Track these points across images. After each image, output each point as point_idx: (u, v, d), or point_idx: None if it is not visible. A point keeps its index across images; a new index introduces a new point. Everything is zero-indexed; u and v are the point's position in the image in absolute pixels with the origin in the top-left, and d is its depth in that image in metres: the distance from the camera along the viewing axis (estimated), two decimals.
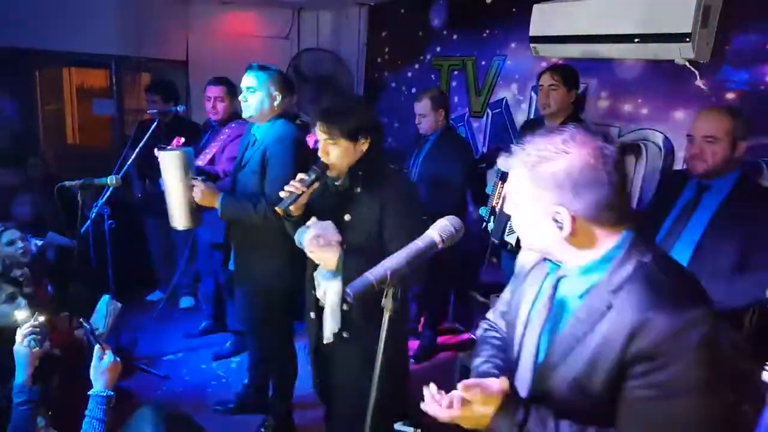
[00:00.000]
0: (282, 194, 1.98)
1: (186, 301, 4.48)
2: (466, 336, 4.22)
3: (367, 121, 1.99)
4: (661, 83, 3.03)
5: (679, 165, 2.90)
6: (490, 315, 1.53)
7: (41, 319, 2.02)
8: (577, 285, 1.13)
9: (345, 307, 2.02)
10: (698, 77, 2.80)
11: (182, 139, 2.81)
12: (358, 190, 2.00)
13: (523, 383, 1.22)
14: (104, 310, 3.10)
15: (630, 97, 3.20)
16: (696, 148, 2.15)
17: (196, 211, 2.67)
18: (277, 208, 2.00)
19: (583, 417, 1.11)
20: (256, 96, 2.57)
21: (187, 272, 4.43)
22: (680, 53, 2.70)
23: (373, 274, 1.11)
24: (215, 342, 3.90)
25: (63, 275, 3.17)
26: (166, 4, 5.00)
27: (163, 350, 3.79)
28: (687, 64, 2.77)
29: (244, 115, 2.63)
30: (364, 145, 1.98)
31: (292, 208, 2.00)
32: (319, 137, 1.97)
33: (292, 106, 3.70)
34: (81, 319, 2.20)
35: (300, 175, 1.98)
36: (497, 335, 1.45)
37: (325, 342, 2.09)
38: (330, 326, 2.05)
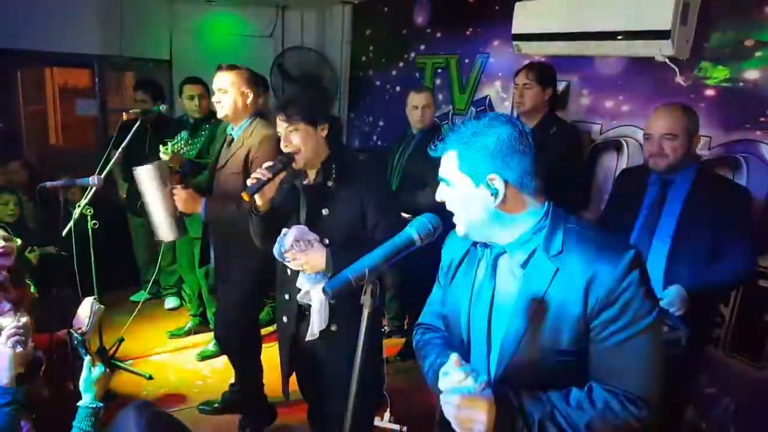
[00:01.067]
0: (249, 181, 1.98)
1: (171, 302, 4.46)
2: None
3: (322, 105, 2.05)
4: (641, 80, 3.06)
5: None
6: (422, 320, 1.56)
7: (24, 320, 1.99)
8: (515, 257, 1.22)
9: (332, 301, 2.01)
10: (678, 74, 2.84)
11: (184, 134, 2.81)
12: (330, 184, 2.02)
13: (484, 367, 1.27)
14: (87, 311, 3.08)
15: (611, 94, 3.22)
16: (655, 145, 2.21)
17: (180, 220, 2.67)
18: (243, 194, 1.99)
19: (556, 376, 1.19)
20: (228, 96, 2.58)
21: (172, 272, 4.42)
22: (660, 50, 2.74)
23: (351, 272, 1.11)
24: (200, 342, 3.89)
25: (46, 276, 3.15)
26: (150, 3, 4.96)
27: (148, 351, 3.77)
28: (667, 61, 2.80)
29: (219, 115, 2.64)
30: (324, 131, 2.01)
31: (258, 200, 2.00)
32: (279, 128, 2.00)
33: (266, 103, 3.72)
34: (69, 330, 2.18)
35: (266, 164, 1.99)
36: (437, 335, 1.49)
37: (308, 339, 2.08)
38: (318, 323, 2.04)
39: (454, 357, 1.15)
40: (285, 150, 2.00)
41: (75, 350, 1.95)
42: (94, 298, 2.98)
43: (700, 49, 2.77)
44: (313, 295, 2.05)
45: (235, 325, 2.82)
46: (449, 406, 1.13)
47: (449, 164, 1.23)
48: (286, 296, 2.13)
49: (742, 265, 2.15)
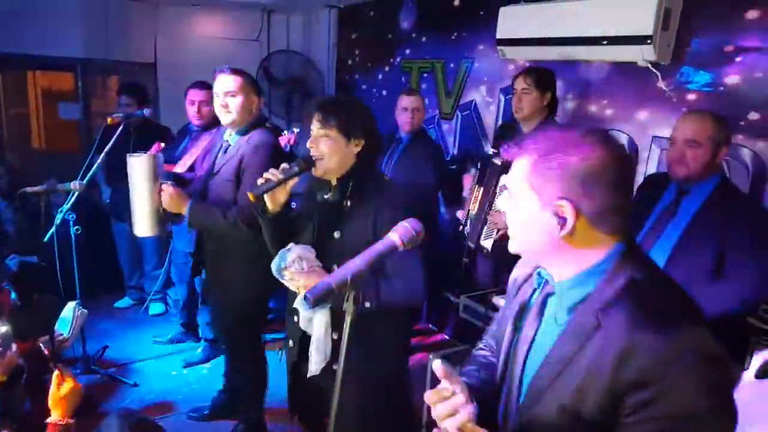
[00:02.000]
0: (259, 181, 1.83)
1: (156, 308, 4.42)
2: (439, 337, 4.24)
3: (365, 121, 1.85)
4: (624, 85, 3.08)
5: (642, 165, 2.96)
6: (485, 335, 1.47)
7: (4, 328, 1.96)
8: (566, 298, 1.06)
9: (335, 336, 1.84)
10: (660, 79, 2.87)
11: (162, 144, 2.75)
12: (348, 204, 1.85)
13: (511, 405, 1.15)
14: (70, 316, 3.04)
15: (595, 98, 3.25)
16: (677, 151, 2.11)
17: (162, 218, 2.60)
18: (249, 193, 1.85)
19: None
20: (237, 100, 2.47)
21: (157, 279, 4.38)
22: (642, 55, 2.76)
23: (333, 279, 1.10)
24: (186, 349, 3.86)
25: (26, 283, 3.11)
26: (134, 6, 4.93)
27: (132, 357, 3.73)
28: (649, 66, 2.83)
29: (225, 120, 2.52)
30: (356, 147, 1.83)
31: (269, 202, 1.85)
32: (312, 128, 1.84)
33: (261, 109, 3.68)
34: (40, 342, 2.13)
35: (283, 165, 1.84)
36: (487, 353, 1.39)
37: (309, 375, 1.90)
38: (316, 359, 1.85)
39: (436, 363, 1.03)
40: (311, 153, 1.83)
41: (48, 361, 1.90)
42: (77, 303, 2.95)
43: (682, 54, 2.80)
44: (315, 324, 1.86)
45: (233, 335, 2.79)
46: None
47: (517, 172, 1.05)
48: (294, 318, 1.96)
49: (749, 288, 2.00)
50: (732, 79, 2.64)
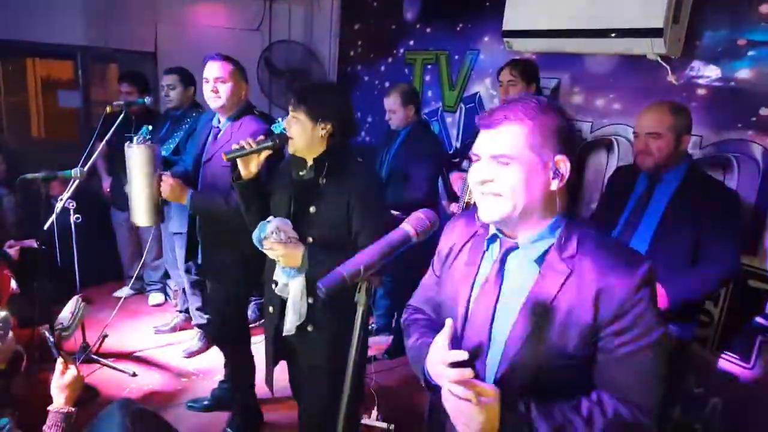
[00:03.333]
0: (234, 146, 2.00)
1: (155, 297, 4.39)
2: None
3: (333, 107, 1.99)
4: (633, 78, 3.06)
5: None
6: (411, 302, 1.56)
7: (3, 314, 1.94)
8: (531, 251, 1.19)
9: (310, 300, 2.01)
10: (670, 72, 2.83)
11: (150, 127, 2.73)
12: (323, 181, 1.99)
13: (481, 363, 1.23)
14: (72, 308, 3.02)
15: (602, 92, 3.22)
16: (641, 144, 2.21)
17: (161, 207, 2.61)
18: (224, 154, 2.01)
19: (558, 379, 1.17)
20: (225, 86, 2.53)
21: (156, 268, 4.35)
22: (652, 48, 2.73)
23: (345, 269, 1.08)
24: (186, 338, 3.83)
25: (26, 270, 3.08)
26: None
27: (132, 347, 3.71)
28: (659, 59, 2.80)
29: (214, 105, 2.57)
30: (323, 130, 1.97)
31: (242, 168, 2.02)
32: (290, 111, 2.01)
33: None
34: (43, 330, 2.12)
35: (260, 137, 2.04)
36: (425, 317, 1.49)
37: (284, 334, 2.07)
38: (291, 319, 2.03)
39: (448, 322, 1.17)
40: (287, 132, 2.00)
41: (50, 350, 1.89)
42: (79, 297, 2.93)
43: (692, 48, 2.77)
44: (291, 289, 2.03)
45: (225, 319, 2.78)
46: (451, 397, 1.11)
47: (512, 139, 1.13)
48: (273, 286, 2.11)
49: (723, 270, 2.12)
50: (743, 73, 2.61)
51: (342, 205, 1.96)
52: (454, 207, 3.14)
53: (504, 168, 1.14)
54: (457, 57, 4.13)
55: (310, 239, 1.98)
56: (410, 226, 1.15)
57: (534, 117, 1.13)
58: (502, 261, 1.22)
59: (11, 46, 4.55)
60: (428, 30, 4.40)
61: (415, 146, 3.46)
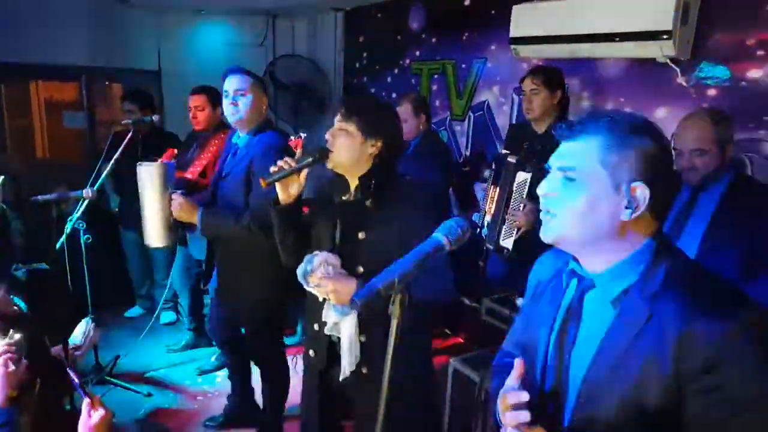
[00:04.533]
0: (272, 169, 1.79)
1: (167, 316, 4.36)
2: (455, 340, 4.19)
3: (387, 124, 1.82)
4: (642, 82, 3.04)
5: None
6: (503, 345, 1.44)
7: (17, 337, 1.90)
8: (608, 291, 1.05)
9: (363, 338, 1.81)
10: (679, 74, 2.82)
11: (175, 151, 2.71)
12: (369, 203, 1.80)
13: (559, 409, 1.12)
14: (83, 329, 2.99)
15: (612, 96, 3.21)
16: (686, 161, 2.05)
17: (173, 227, 2.57)
18: (261, 179, 1.81)
19: None
20: (246, 99, 2.46)
21: (167, 286, 4.33)
22: (661, 51, 2.72)
23: (380, 280, 1.06)
24: (199, 357, 3.80)
25: (36, 292, 3.06)
26: (137, 14, 4.90)
27: (145, 367, 3.68)
28: (668, 61, 2.79)
29: (232, 119, 2.50)
30: (372, 148, 1.79)
31: (280, 191, 1.81)
32: (334, 121, 1.81)
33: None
34: (68, 369, 2.06)
35: (297, 154, 1.83)
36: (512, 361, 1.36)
37: (341, 379, 1.85)
38: (348, 360, 1.81)
39: (517, 363, 1.05)
40: (328, 144, 1.80)
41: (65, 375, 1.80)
42: (90, 318, 2.90)
43: (701, 49, 2.76)
44: (343, 328, 1.81)
45: (250, 340, 2.75)
46: None
47: (584, 152, 1.01)
48: (315, 326, 1.91)
49: None
50: (753, 73, 2.60)
51: (393, 226, 1.74)
52: (474, 217, 3.08)
53: (568, 183, 1.03)
54: (464, 66, 4.13)
55: (361, 269, 1.77)
56: (442, 235, 1.13)
57: (616, 132, 1.00)
58: (580, 300, 1.10)
59: (15, 68, 4.57)
60: (434, 40, 4.40)
61: (425, 156, 3.45)
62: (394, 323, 1.09)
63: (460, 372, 2.58)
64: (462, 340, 4.16)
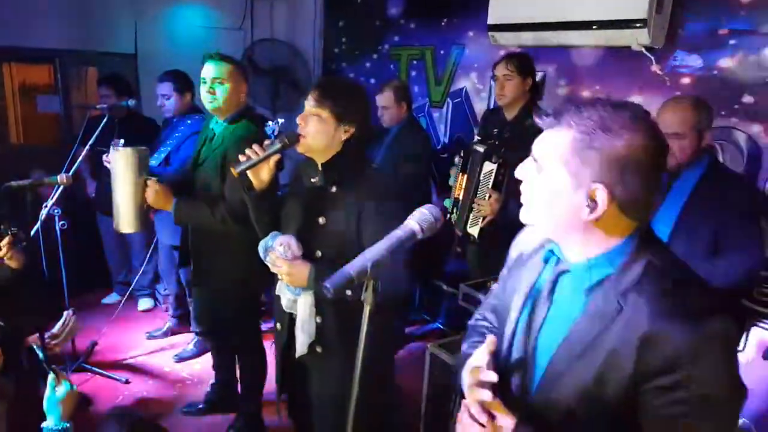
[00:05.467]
0: (241, 158, 1.80)
1: (145, 303, 4.34)
2: (433, 325, 4.23)
3: (359, 109, 1.81)
4: (618, 69, 3.08)
5: None
6: (480, 309, 1.46)
7: None
8: (581, 280, 1.04)
9: (318, 319, 1.85)
10: (654, 62, 2.86)
11: (122, 141, 2.67)
12: (334, 189, 1.82)
13: (524, 380, 1.13)
14: (63, 320, 2.96)
15: (588, 83, 3.24)
16: None
17: (145, 213, 2.53)
18: (232, 168, 1.82)
19: (594, 427, 1.03)
20: (223, 87, 2.42)
21: (145, 273, 4.30)
22: (636, 39, 2.76)
23: (352, 267, 1.07)
24: (178, 344, 3.80)
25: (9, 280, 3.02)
26: None
27: (123, 354, 3.67)
28: (643, 49, 2.82)
29: (209, 106, 2.47)
30: (345, 133, 1.79)
31: (252, 178, 1.83)
32: (306, 104, 1.79)
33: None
34: (32, 342, 2.06)
35: (266, 141, 1.82)
36: (487, 325, 1.39)
37: (297, 356, 1.92)
38: (302, 340, 1.87)
39: (490, 339, 1.06)
40: (298, 129, 1.79)
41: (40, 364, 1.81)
42: (72, 310, 2.87)
43: (675, 38, 2.80)
44: (298, 307, 1.87)
45: (227, 326, 2.74)
46: (465, 416, 1.04)
47: (552, 146, 1.00)
48: (282, 302, 1.97)
49: (747, 260, 2.06)
50: (726, 62, 2.65)
51: (352, 214, 1.76)
52: (446, 202, 3.12)
53: (536, 174, 1.03)
54: (442, 52, 4.13)
55: (319, 254, 1.81)
56: (415, 222, 1.15)
57: (584, 129, 0.96)
58: (554, 281, 1.10)
59: None
60: (413, 25, 4.39)
61: (406, 144, 3.46)
62: (366, 310, 1.10)
63: (437, 357, 2.61)
64: (440, 326, 4.21)
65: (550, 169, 1.00)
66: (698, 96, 2.19)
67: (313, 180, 1.86)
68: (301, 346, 1.87)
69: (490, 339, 1.10)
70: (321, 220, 1.81)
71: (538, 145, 1.03)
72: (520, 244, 1.26)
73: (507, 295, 1.22)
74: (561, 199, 0.99)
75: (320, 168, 1.83)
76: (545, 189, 1.01)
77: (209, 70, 2.44)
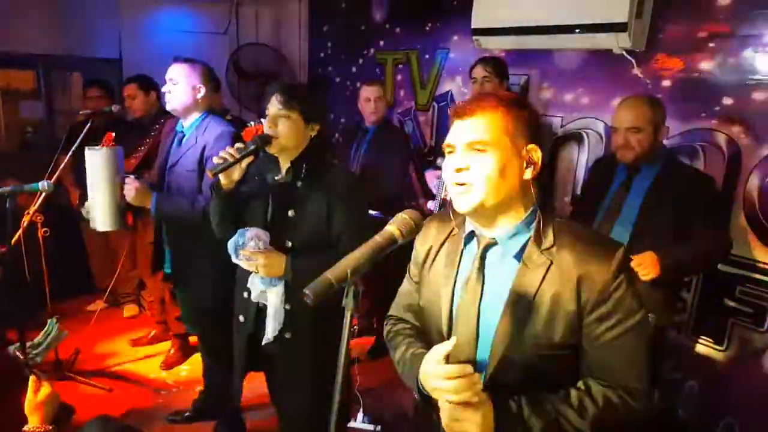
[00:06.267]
0: (215, 160, 1.91)
1: (129, 309, 4.30)
2: None
3: (323, 109, 1.99)
4: (600, 72, 3.11)
5: None
6: (392, 312, 1.54)
7: None
8: (511, 246, 1.21)
9: (287, 306, 1.98)
10: (635, 65, 2.89)
11: (113, 134, 2.69)
12: (299, 184, 1.96)
13: (473, 360, 1.22)
14: (45, 329, 2.93)
15: (571, 86, 3.27)
16: (621, 138, 2.25)
17: (123, 212, 2.58)
18: (207, 170, 1.95)
19: (548, 371, 1.20)
20: (177, 88, 2.49)
21: (130, 279, 4.26)
22: (617, 43, 2.78)
23: (332, 274, 1.06)
24: (163, 350, 3.76)
25: None
26: (98, 1, 4.76)
27: (107, 361, 3.63)
28: (624, 53, 2.85)
29: (167, 107, 2.56)
30: (312, 131, 1.96)
31: (223, 178, 1.93)
32: (271, 109, 1.93)
33: (218, 102, 3.64)
34: (13, 348, 2.05)
35: (237, 144, 1.93)
36: (408, 326, 1.47)
37: (264, 342, 2.03)
38: (273, 326, 1.99)
39: (453, 340, 1.13)
40: (268, 131, 1.92)
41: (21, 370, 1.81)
42: (55, 318, 2.84)
43: (656, 41, 2.83)
44: (270, 296, 1.99)
45: (204, 328, 2.74)
46: (447, 406, 1.12)
47: (488, 125, 1.16)
48: (245, 294, 2.07)
49: (711, 243, 2.22)
50: (705, 65, 2.67)
51: (322, 207, 1.93)
52: (430, 204, 3.15)
53: (479, 156, 1.16)
54: (427, 56, 4.15)
55: (289, 243, 1.95)
56: (395, 227, 1.14)
57: (507, 106, 1.17)
58: (482, 258, 1.24)
59: None
60: (398, 30, 4.41)
61: (384, 143, 3.49)
62: (347, 315, 1.10)
63: None
64: None
65: (494, 145, 1.15)
66: (651, 95, 2.37)
67: (276, 177, 2.00)
68: (272, 333, 2.00)
69: (453, 340, 1.15)
70: (291, 213, 1.95)
71: (470, 131, 1.17)
72: (427, 239, 1.38)
73: (429, 290, 1.35)
74: (509, 167, 1.16)
75: (289, 165, 1.97)
76: (494, 164, 1.15)
77: (168, 72, 2.52)
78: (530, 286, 1.17)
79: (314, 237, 1.95)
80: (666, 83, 2.82)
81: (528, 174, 1.18)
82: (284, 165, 2.00)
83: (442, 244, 1.34)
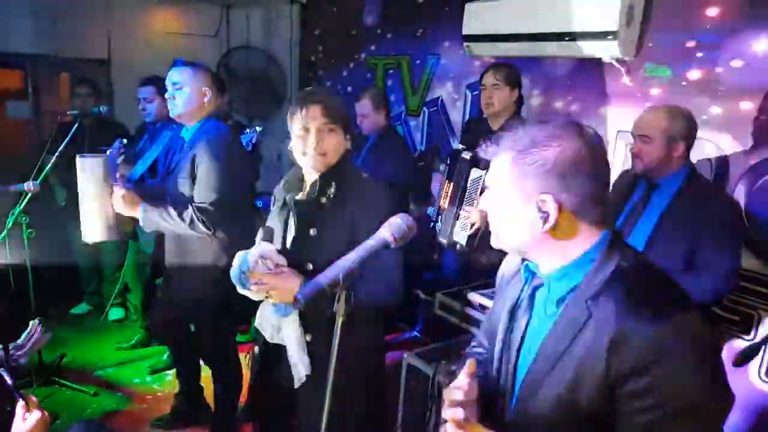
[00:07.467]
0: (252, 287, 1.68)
1: (115, 313, 4.25)
2: (410, 334, 4.22)
3: (353, 119, 1.84)
4: (590, 80, 3.13)
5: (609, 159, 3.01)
6: (479, 332, 1.47)
7: None
8: (554, 290, 1.07)
9: (308, 338, 1.74)
10: (624, 74, 2.91)
11: (124, 141, 2.64)
12: (323, 200, 1.74)
13: (507, 399, 1.15)
14: (29, 330, 2.88)
15: (561, 94, 3.29)
16: (635, 146, 2.18)
17: (114, 223, 2.47)
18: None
19: None
20: (183, 93, 2.40)
21: (115, 282, 4.21)
22: (607, 51, 2.81)
23: (324, 278, 1.06)
24: (151, 355, 3.72)
25: None
26: (86, 2, 4.72)
27: (92, 366, 3.58)
28: (614, 61, 2.87)
29: (171, 114, 2.45)
30: (348, 142, 1.79)
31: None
32: (313, 123, 1.70)
33: (224, 106, 3.60)
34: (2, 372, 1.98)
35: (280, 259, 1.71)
36: (481, 351, 1.39)
37: (297, 385, 1.77)
38: (303, 364, 1.73)
39: (469, 363, 1.09)
40: (308, 148, 1.70)
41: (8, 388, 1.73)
42: (39, 319, 2.80)
43: (645, 50, 2.85)
44: (286, 332, 1.74)
45: (200, 338, 2.71)
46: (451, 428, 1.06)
47: (497, 171, 1.07)
48: (266, 335, 1.85)
49: (718, 280, 2.05)
50: (694, 74, 2.70)
51: (344, 224, 1.70)
52: (432, 211, 3.11)
53: (492, 200, 1.10)
54: (418, 62, 4.16)
55: (310, 266, 1.71)
56: (388, 231, 1.14)
57: (519, 147, 1.04)
58: (532, 297, 1.14)
59: None
60: (389, 35, 4.41)
61: (385, 151, 3.46)
62: (339, 321, 1.09)
63: (413, 366, 2.60)
64: (417, 335, 4.20)
65: (500, 192, 1.07)
66: (679, 106, 2.21)
67: (299, 196, 1.81)
68: (303, 372, 1.74)
69: (470, 362, 1.12)
70: (312, 231, 1.75)
71: (489, 174, 1.10)
72: (503, 268, 1.30)
73: (495, 318, 1.25)
74: (517, 216, 1.05)
75: (316, 178, 1.76)
76: (503, 211, 1.08)
77: (170, 77, 2.43)
78: (561, 340, 1.02)
79: (337, 256, 1.71)
80: (655, 92, 2.85)
81: (541, 226, 1.03)
82: (310, 179, 1.79)
83: (514, 275, 1.24)
